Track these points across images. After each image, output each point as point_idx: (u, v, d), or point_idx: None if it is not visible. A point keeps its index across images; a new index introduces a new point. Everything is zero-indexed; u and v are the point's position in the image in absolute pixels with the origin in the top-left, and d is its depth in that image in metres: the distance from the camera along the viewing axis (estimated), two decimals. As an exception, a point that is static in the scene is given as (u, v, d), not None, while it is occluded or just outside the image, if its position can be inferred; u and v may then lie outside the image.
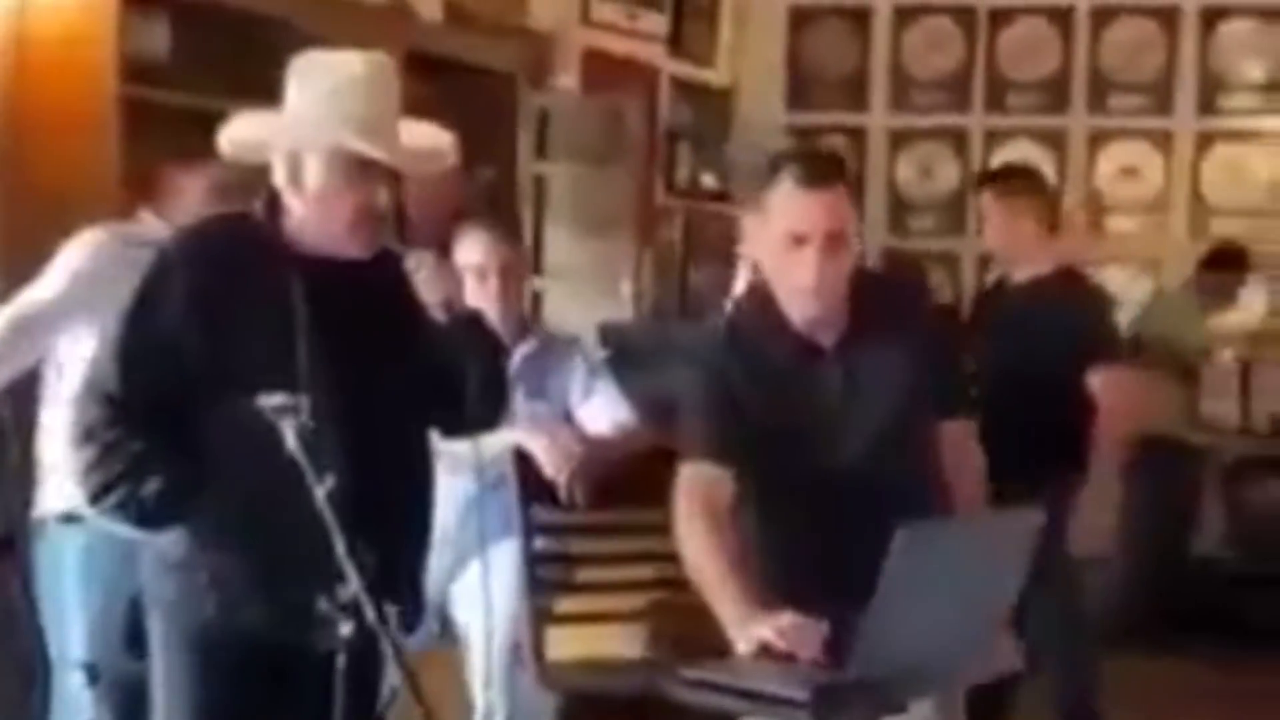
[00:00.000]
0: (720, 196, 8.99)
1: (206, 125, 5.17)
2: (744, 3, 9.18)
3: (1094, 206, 9.04)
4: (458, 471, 3.70)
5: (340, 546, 2.67)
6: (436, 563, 3.54)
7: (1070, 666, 5.82)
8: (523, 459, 4.11)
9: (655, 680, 3.10)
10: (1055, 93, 9.13)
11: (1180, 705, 6.74)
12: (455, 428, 3.55)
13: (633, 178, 8.08)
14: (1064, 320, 5.40)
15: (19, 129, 4.88)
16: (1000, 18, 9.16)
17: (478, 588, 4.24)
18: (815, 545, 3.38)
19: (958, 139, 9.17)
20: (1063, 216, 8.71)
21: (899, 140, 9.20)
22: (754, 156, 5.11)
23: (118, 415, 3.17)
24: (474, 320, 3.50)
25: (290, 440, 2.78)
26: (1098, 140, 9.09)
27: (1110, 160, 9.09)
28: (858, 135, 9.17)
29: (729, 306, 4.17)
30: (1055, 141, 9.07)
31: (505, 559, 4.14)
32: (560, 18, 7.66)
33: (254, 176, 4.12)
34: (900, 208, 9.12)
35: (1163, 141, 9.05)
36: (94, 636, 4.24)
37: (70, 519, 4.22)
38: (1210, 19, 8.98)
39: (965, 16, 9.20)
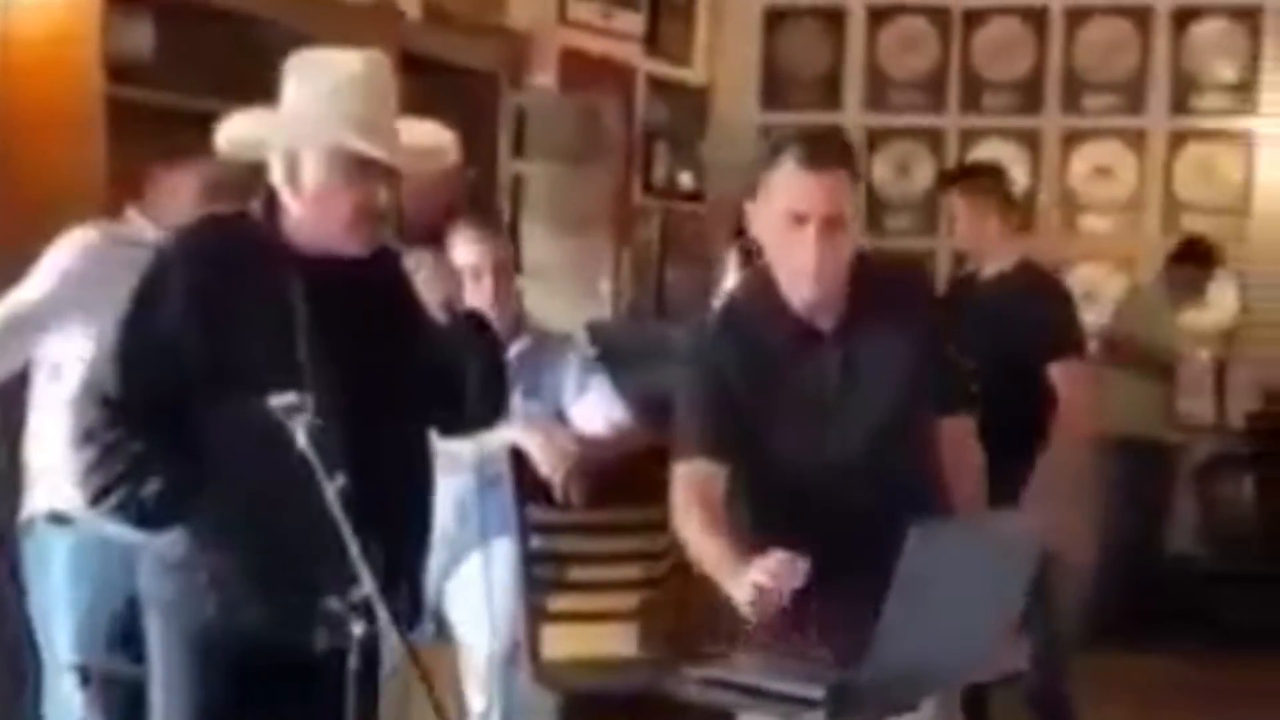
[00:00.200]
0: (696, 196, 9.01)
1: (191, 124, 5.18)
2: (720, 2, 9.20)
3: (1068, 206, 9.09)
4: (455, 471, 3.70)
5: (354, 546, 2.66)
6: (433, 561, 3.54)
7: (1039, 655, 5.84)
8: (518, 458, 4.11)
9: (661, 679, 3.09)
10: (1030, 93, 9.16)
11: (1157, 701, 6.78)
12: (455, 427, 3.55)
13: (610, 177, 8.09)
14: (1026, 313, 5.46)
15: (3, 129, 4.85)
16: (975, 18, 9.20)
17: (473, 586, 4.27)
18: (812, 537, 3.37)
19: (933, 139, 9.19)
20: (1037, 215, 8.83)
21: (875, 140, 9.22)
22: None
23: (117, 416, 3.16)
24: (474, 319, 3.51)
25: (301, 439, 2.77)
26: (1072, 140, 9.13)
27: (1084, 160, 9.13)
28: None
29: (719, 300, 4.17)
30: (1030, 141, 9.11)
31: (501, 558, 4.14)
32: (537, 17, 7.65)
33: (245, 175, 4.12)
34: (876, 207, 9.13)
35: (1136, 141, 9.09)
36: (83, 637, 4.23)
37: (59, 519, 4.21)
38: (1182, 19, 9.03)
39: (940, 17, 9.23)
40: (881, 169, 9.23)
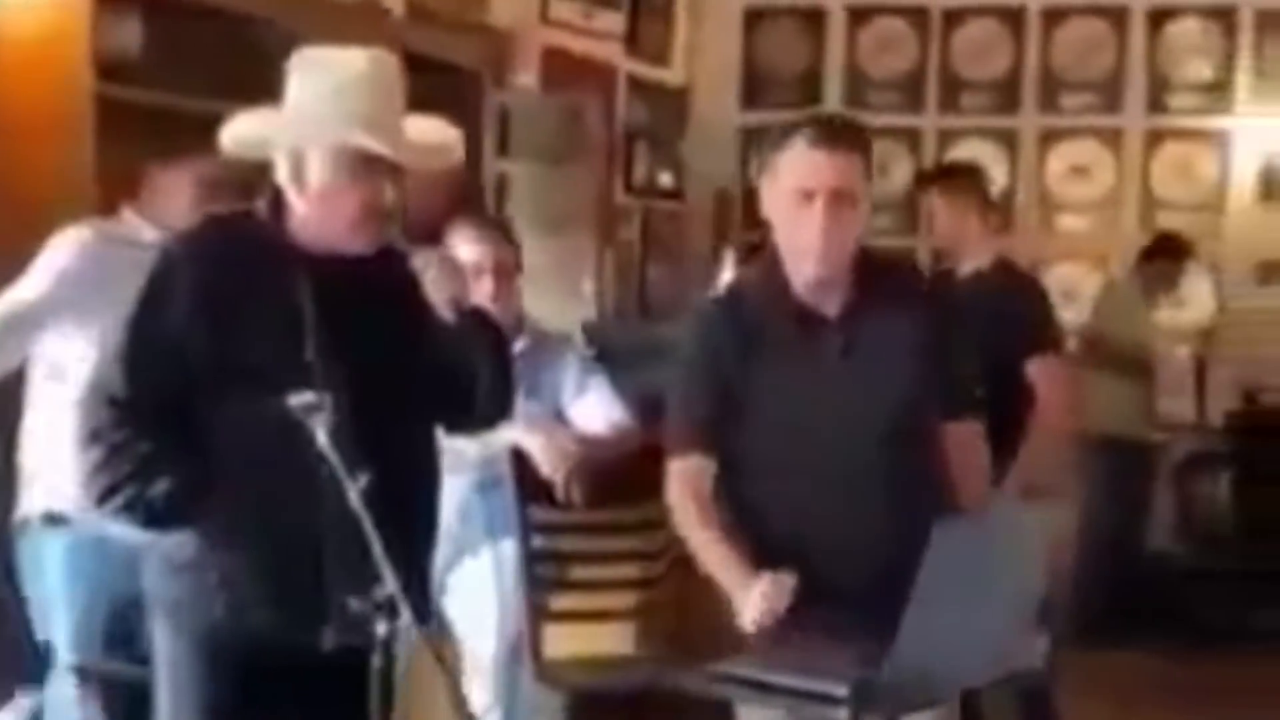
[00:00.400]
0: (675, 195, 9.01)
1: (179, 122, 5.17)
2: (699, 2, 9.20)
3: (1045, 205, 9.13)
4: (458, 469, 3.69)
5: (377, 546, 2.65)
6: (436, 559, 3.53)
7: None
8: (519, 458, 4.10)
9: (668, 677, 3.09)
10: (1007, 92, 9.19)
11: (1136, 698, 6.79)
12: (462, 425, 3.55)
13: (593, 177, 8.07)
14: (1003, 311, 5.46)
15: (-6, 127, 4.83)
16: (953, 18, 9.23)
17: (474, 584, 4.26)
18: (812, 525, 3.39)
19: (911, 138, 9.21)
20: (1015, 215, 8.86)
21: (853, 139, 9.21)
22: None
23: (124, 417, 3.14)
24: (482, 318, 3.50)
25: (322, 438, 2.76)
26: (1049, 139, 9.16)
27: (1061, 159, 9.16)
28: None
29: (712, 295, 4.17)
30: (1007, 141, 9.14)
31: (504, 558, 4.14)
32: (519, 16, 7.64)
33: (241, 173, 4.10)
34: (855, 206, 9.11)
35: (1112, 140, 9.13)
36: (79, 637, 4.22)
37: (54, 519, 4.20)
38: (1158, 19, 9.07)
39: (918, 17, 9.26)
40: (860, 168, 9.20)
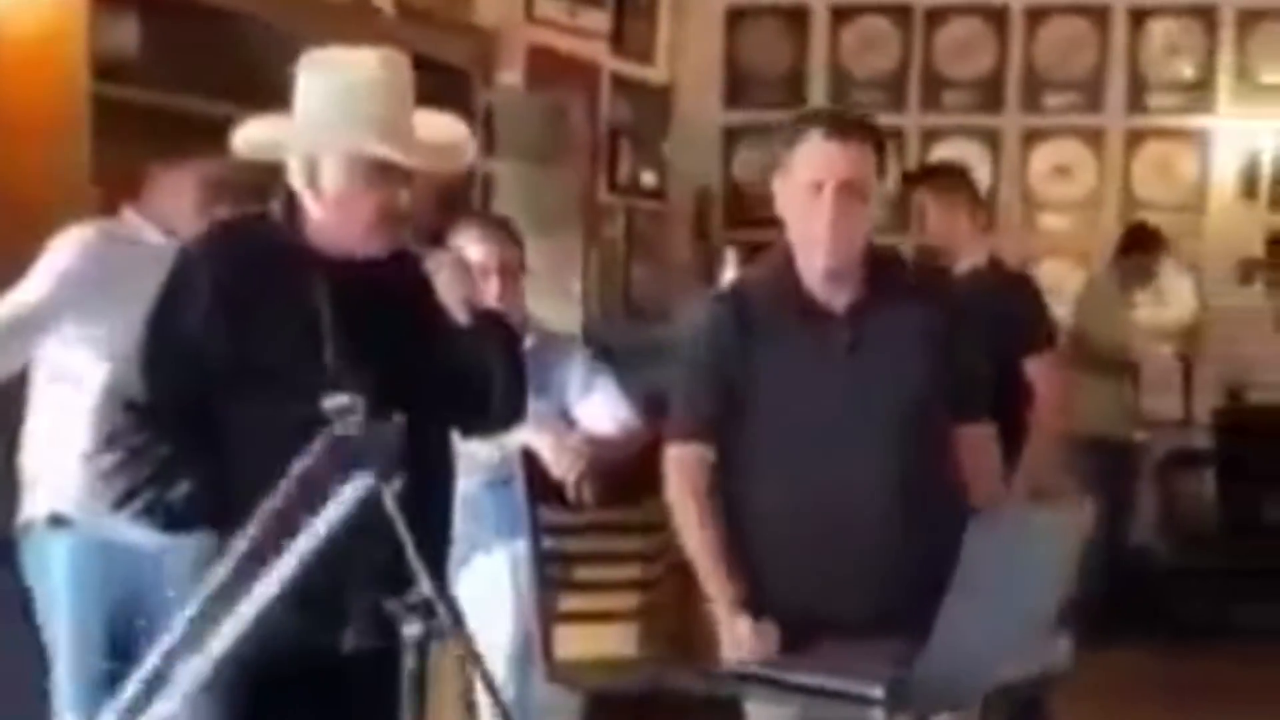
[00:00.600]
0: (658, 194, 9.01)
1: (175, 122, 5.15)
2: (682, 1, 9.19)
3: (1027, 204, 9.15)
4: (470, 470, 3.69)
5: (411, 547, 2.65)
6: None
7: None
8: (529, 459, 4.09)
9: (680, 678, 3.10)
10: (990, 91, 9.22)
11: (1122, 694, 6.82)
12: (478, 428, 3.54)
13: (578, 176, 8.07)
14: (1001, 309, 5.47)
15: (-8, 126, 4.81)
16: (936, 17, 9.25)
17: (483, 584, 4.26)
18: (815, 525, 3.39)
19: (895, 138, 9.21)
20: (998, 214, 8.88)
21: (836, 138, 9.22)
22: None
23: (143, 420, 3.13)
24: (495, 320, 3.49)
25: (355, 443, 2.75)
26: (1031, 138, 9.19)
27: (1043, 159, 9.20)
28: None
29: (716, 292, 4.17)
30: (990, 140, 9.16)
31: (515, 558, 4.14)
32: (504, 14, 7.64)
33: (245, 175, 4.09)
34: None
35: (1094, 139, 9.16)
36: (82, 639, 4.20)
37: (58, 522, 4.18)
38: (1139, 18, 9.11)
39: (901, 16, 9.28)
40: (844, 167, 9.22)
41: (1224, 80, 9.06)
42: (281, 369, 3.13)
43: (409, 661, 2.69)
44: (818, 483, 3.41)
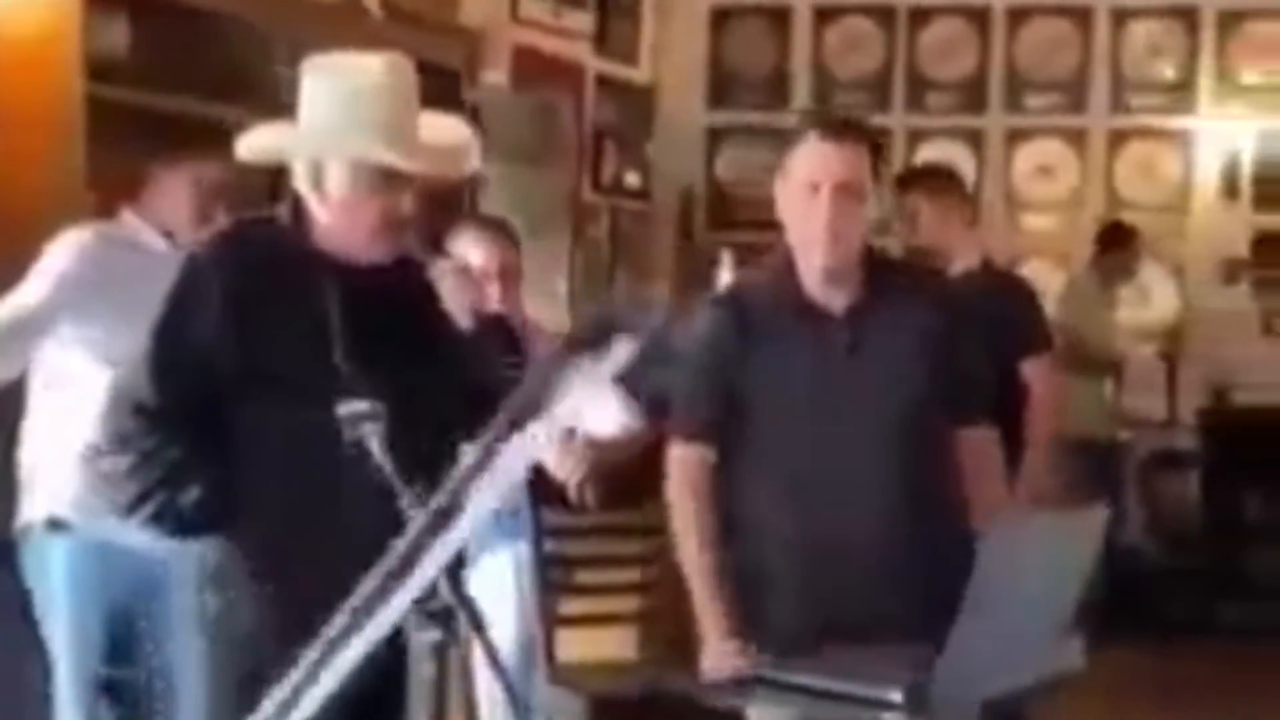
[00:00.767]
0: (642, 194, 9.00)
1: (166, 123, 5.14)
2: (666, 1, 9.19)
3: (1010, 204, 9.16)
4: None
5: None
6: None
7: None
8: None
9: (683, 681, 3.10)
10: (973, 92, 9.23)
11: (1110, 693, 6.82)
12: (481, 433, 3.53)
13: (565, 176, 8.06)
14: (997, 311, 5.45)
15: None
16: (919, 18, 9.26)
17: (484, 588, 4.24)
18: (812, 527, 3.39)
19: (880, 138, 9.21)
20: (982, 214, 8.89)
21: (821, 139, 9.22)
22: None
23: (153, 424, 3.11)
24: (499, 325, 3.49)
25: (376, 448, 2.74)
26: (1015, 139, 9.21)
27: (1026, 159, 9.21)
28: (778, 134, 9.15)
29: (713, 295, 4.17)
30: (974, 140, 9.18)
31: (517, 561, 4.13)
32: (489, 14, 7.62)
33: (241, 175, 4.09)
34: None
35: (1077, 139, 9.18)
36: (82, 642, 4.19)
37: (56, 525, 4.17)
38: (1121, 18, 9.13)
39: (884, 16, 9.29)
40: (828, 168, 9.22)
41: (1205, 81, 9.09)
42: (291, 374, 3.12)
43: (427, 668, 2.67)
44: (817, 484, 3.41)
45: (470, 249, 4.24)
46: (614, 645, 4.27)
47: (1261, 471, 8.21)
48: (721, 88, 9.40)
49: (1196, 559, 8.34)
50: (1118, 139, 9.16)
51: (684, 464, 3.54)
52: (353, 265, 3.21)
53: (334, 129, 3.19)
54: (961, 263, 5.73)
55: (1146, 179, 9.13)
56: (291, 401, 3.11)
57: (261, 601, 3.14)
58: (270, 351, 3.14)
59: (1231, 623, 8.04)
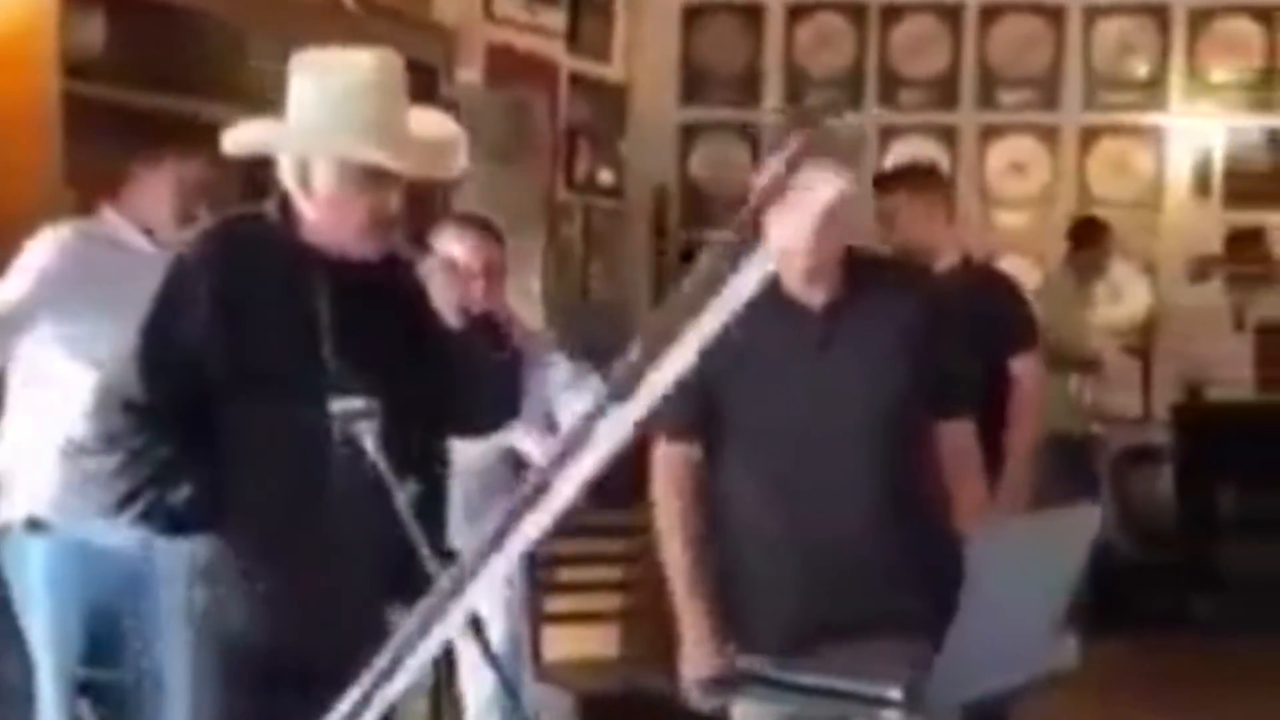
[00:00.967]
0: (615, 192, 8.99)
1: (141, 119, 5.11)
2: (639, -2, 9.19)
3: (983, 201, 9.17)
4: (459, 472, 3.66)
5: (427, 550, 2.63)
6: None
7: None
8: (518, 459, 4.07)
9: (672, 679, 3.09)
10: (946, 89, 9.24)
11: (1085, 687, 6.82)
12: (471, 429, 3.52)
13: (539, 174, 8.04)
14: (986, 308, 5.43)
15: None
16: (891, 14, 9.26)
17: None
18: (793, 523, 3.38)
19: (852, 135, 9.24)
20: (957, 211, 8.89)
21: (793, 137, 9.22)
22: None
23: (143, 421, 3.10)
24: (487, 322, 3.47)
25: (370, 445, 2.73)
26: (987, 135, 9.22)
27: (999, 155, 9.22)
28: (751, 131, 9.18)
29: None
30: (947, 137, 9.18)
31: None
32: (463, 11, 7.60)
33: (222, 173, 4.07)
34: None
35: (1049, 136, 9.19)
36: (62, 641, 4.17)
37: (35, 525, 4.15)
38: (1093, 15, 9.14)
39: (856, 13, 9.28)
40: (802, 166, 9.22)
41: (1176, 79, 9.12)
42: (281, 370, 3.12)
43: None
44: (800, 480, 3.40)
45: (454, 246, 4.22)
46: (596, 643, 4.26)
47: (1234, 466, 8.24)
48: (694, 85, 9.39)
49: (1170, 554, 8.37)
50: (1090, 136, 9.17)
51: (669, 463, 3.54)
52: (342, 261, 3.20)
53: (322, 127, 3.17)
54: (944, 260, 5.71)
55: (1119, 176, 9.15)
56: (281, 398, 3.10)
57: (252, 598, 3.14)
58: (259, 349, 3.13)
59: (1205, 617, 8.07)
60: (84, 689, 4.24)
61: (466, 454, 4.11)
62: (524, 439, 4.09)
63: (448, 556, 2.84)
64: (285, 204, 3.21)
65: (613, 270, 9.01)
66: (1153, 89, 9.14)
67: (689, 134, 9.32)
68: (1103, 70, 9.15)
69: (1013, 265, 8.65)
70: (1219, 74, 9.12)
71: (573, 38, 8.57)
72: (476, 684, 4.11)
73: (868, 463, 3.40)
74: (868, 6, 9.27)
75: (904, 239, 5.89)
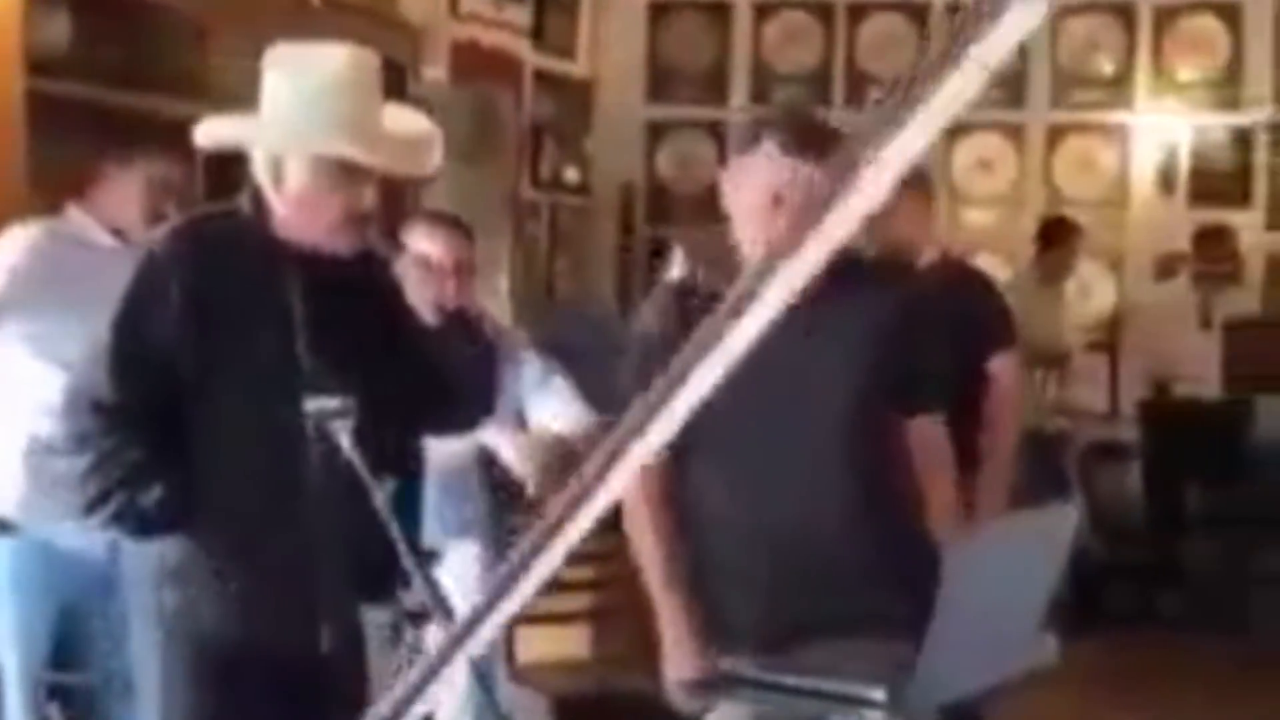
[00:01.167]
0: (581, 190, 8.96)
1: (106, 117, 5.07)
2: (604, -6, 9.17)
3: (950, 199, 9.16)
4: (430, 471, 3.64)
5: (405, 548, 2.60)
6: None
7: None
8: (489, 458, 4.05)
9: (691, 684, 3.07)
10: (913, 86, 9.20)
11: (1052, 684, 6.83)
12: (447, 426, 3.50)
13: (506, 172, 8.01)
14: (964, 306, 5.40)
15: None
16: (857, 12, 9.24)
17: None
18: (764, 514, 3.34)
19: (820, 133, 9.19)
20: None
21: (760, 134, 9.21)
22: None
23: (113, 422, 3.07)
24: (463, 319, 3.45)
25: (346, 443, 2.70)
26: (954, 133, 9.19)
27: (966, 153, 9.22)
28: (717, 128, 9.17)
29: (667, 287, 4.12)
30: (913, 135, 9.15)
31: (465, 559, 4.09)
32: (429, 9, 7.56)
33: (190, 171, 4.03)
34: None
35: (1015, 134, 9.19)
36: (28, 643, 4.15)
37: (1, 527, 4.10)
38: (1060, 14, 9.13)
39: (824, 11, 9.27)
40: (768, 163, 9.21)
41: (1142, 77, 9.13)
42: (254, 368, 3.09)
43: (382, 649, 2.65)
44: (769, 475, 3.36)
45: (425, 243, 4.19)
46: (569, 644, 4.23)
47: (1201, 463, 8.25)
48: (660, 82, 9.36)
49: (1137, 551, 8.38)
50: (1057, 134, 9.18)
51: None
52: (315, 258, 3.17)
53: (296, 122, 3.15)
54: (927, 257, 5.67)
55: (1085, 173, 9.16)
56: (254, 396, 3.08)
57: (225, 599, 3.11)
58: (231, 346, 3.10)
59: (1172, 614, 8.09)
60: (52, 692, 4.20)
61: (438, 452, 4.09)
62: (496, 437, 4.06)
63: (423, 556, 2.81)
64: (258, 200, 3.19)
65: (579, 268, 8.99)
66: (1119, 87, 9.15)
67: (655, 131, 9.30)
68: (1069, 68, 9.15)
69: (983, 263, 8.69)
70: (1185, 72, 9.14)
71: (538, 35, 8.53)
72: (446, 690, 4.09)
73: (839, 458, 3.35)
74: (835, 4, 9.25)
75: (887, 235, 5.87)
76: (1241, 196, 9.02)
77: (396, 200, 6.56)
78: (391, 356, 3.24)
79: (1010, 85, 9.15)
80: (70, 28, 5.19)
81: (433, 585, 2.59)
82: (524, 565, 1.41)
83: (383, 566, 2.90)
